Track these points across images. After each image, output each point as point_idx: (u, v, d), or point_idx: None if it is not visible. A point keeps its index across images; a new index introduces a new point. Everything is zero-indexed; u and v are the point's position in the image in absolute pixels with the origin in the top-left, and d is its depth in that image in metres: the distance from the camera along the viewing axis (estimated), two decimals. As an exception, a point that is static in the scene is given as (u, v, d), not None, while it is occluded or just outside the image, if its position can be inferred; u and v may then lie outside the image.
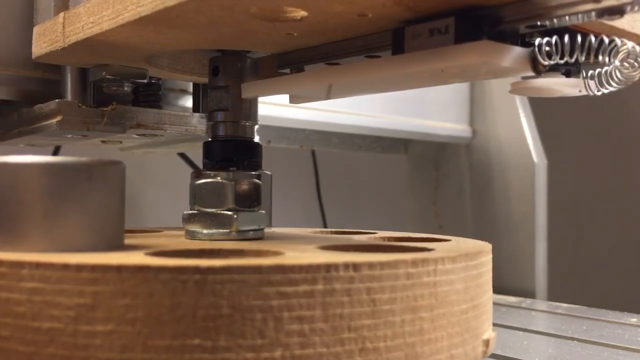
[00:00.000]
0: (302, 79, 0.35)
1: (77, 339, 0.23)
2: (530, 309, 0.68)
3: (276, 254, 0.28)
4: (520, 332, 0.54)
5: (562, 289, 0.83)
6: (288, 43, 0.36)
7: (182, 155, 0.82)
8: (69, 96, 0.43)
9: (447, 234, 0.47)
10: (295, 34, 0.34)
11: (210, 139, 0.45)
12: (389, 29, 0.32)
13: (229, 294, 0.23)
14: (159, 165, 0.88)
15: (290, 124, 0.73)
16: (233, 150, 0.42)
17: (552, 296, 0.79)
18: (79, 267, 0.23)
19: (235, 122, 0.41)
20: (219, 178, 0.40)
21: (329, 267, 0.24)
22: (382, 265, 0.25)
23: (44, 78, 0.45)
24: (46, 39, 0.38)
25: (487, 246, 0.33)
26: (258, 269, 0.23)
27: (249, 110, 0.42)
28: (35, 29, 0.40)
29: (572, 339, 0.52)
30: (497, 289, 0.79)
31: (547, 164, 0.81)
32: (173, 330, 0.23)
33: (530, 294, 0.79)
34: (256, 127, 0.43)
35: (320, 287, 0.24)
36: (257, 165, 0.42)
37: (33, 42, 0.40)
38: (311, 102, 0.40)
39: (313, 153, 0.98)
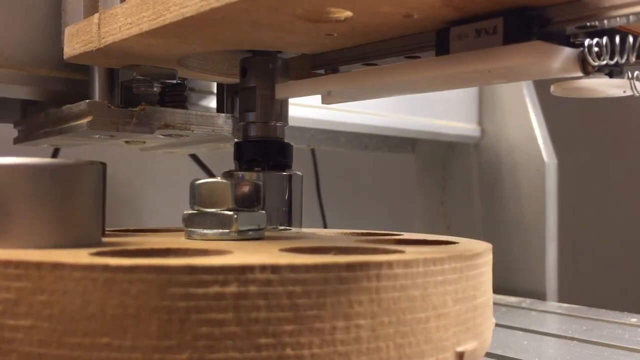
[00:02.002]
0: (341, 80, 0.35)
1: (4, 332, 0.23)
2: (530, 309, 0.68)
3: (220, 253, 0.27)
4: (520, 332, 0.54)
5: (573, 290, 0.83)
6: (326, 44, 0.36)
7: (193, 157, 0.82)
8: (96, 96, 0.43)
9: (455, 234, 0.47)
10: (335, 35, 0.34)
11: (238, 140, 0.45)
12: (431, 29, 0.32)
13: (136, 293, 0.23)
14: (159, 165, 0.87)
15: (297, 123, 0.72)
16: (261, 150, 0.42)
17: (563, 297, 0.79)
18: (6, 264, 0.24)
19: (265, 122, 0.42)
20: (252, 175, 0.40)
21: (243, 269, 0.23)
22: (308, 268, 0.24)
23: (70, 78, 0.45)
24: (79, 40, 0.38)
25: (476, 250, 0.30)
26: (165, 269, 0.23)
27: (280, 110, 0.42)
28: (67, 30, 0.39)
29: (572, 339, 0.52)
30: (506, 290, 0.80)
31: (558, 163, 0.81)
32: (84, 328, 0.23)
33: (540, 294, 0.79)
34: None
35: (232, 289, 0.23)
36: (285, 166, 0.42)
37: (65, 42, 0.40)
38: (344, 102, 0.40)
39: (313, 152, 0.98)
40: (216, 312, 0.23)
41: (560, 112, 0.95)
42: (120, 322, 0.23)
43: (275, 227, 0.42)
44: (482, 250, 0.31)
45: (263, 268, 0.23)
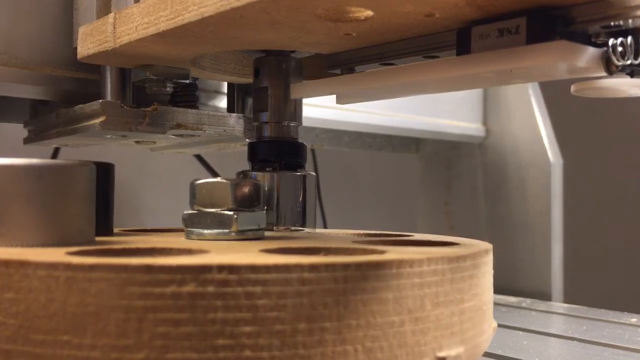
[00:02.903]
0: (358, 80, 0.35)
1: None
2: (530, 309, 0.68)
3: (201, 252, 0.28)
4: (520, 332, 0.54)
5: (578, 290, 0.83)
6: (343, 44, 0.36)
7: (198, 157, 0.81)
8: (108, 96, 0.43)
9: (459, 234, 0.47)
10: (354, 35, 0.33)
11: (250, 140, 0.45)
12: (452, 29, 0.32)
13: (96, 292, 0.23)
14: (159, 165, 0.87)
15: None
16: (274, 150, 0.42)
17: (569, 297, 0.79)
18: None
19: (279, 122, 0.42)
20: (266, 176, 0.40)
21: (201, 269, 0.23)
22: (268, 268, 0.23)
23: (81, 78, 0.45)
24: (94, 40, 0.38)
25: (461, 252, 0.29)
26: (124, 268, 0.23)
27: (294, 110, 0.42)
28: (81, 30, 0.39)
29: (572, 339, 0.52)
30: (511, 290, 0.80)
31: (563, 163, 0.81)
32: (47, 326, 0.23)
33: (546, 295, 0.79)
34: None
35: (189, 289, 0.23)
36: (297, 166, 0.42)
37: (79, 42, 0.39)
38: (359, 102, 0.40)
39: (313, 152, 0.97)
40: (173, 312, 0.22)
41: (566, 112, 0.95)
42: (81, 320, 0.23)
43: (287, 227, 0.42)
44: (467, 253, 0.29)
45: (221, 268, 0.23)
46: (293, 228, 0.42)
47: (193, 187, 0.35)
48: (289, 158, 0.41)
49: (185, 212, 0.35)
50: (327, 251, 0.31)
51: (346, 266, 0.24)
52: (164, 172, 0.88)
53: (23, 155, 0.30)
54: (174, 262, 0.23)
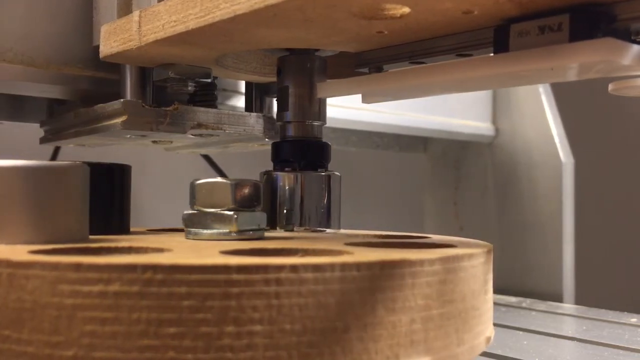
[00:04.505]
0: (389, 79, 0.35)
1: None
2: (530, 309, 0.68)
3: (160, 250, 0.28)
4: (521, 332, 0.54)
5: (591, 292, 0.83)
6: (374, 42, 0.35)
7: (206, 157, 0.81)
8: (128, 96, 0.42)
9: (469, 235, 0.47)
10: (386, 32, 0.33)
11: (269, 139, 0.45)
12: (488, 26, 0.31)
13: (32, 289, 0.23)
14: (159, 165, 0.87)
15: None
16: (298, 150, 0.41)
17: (580, 299, 0.79)
18: None
19: (303, 122, 0.41)
20: (289, 176, 0.40)
21: (126, 269, 0.23)
22: (192, 269, 0.23)
23: (99, 77, 0.45)
24: (117, 38, 0.37)
25: (427, 256, 0.27)
26: (55, 266, 0.23)
27: (318, 110, 0.41)
28: (104, 28, 0.39)
29: (572, 339, 0.52)
30: (522, 292, 0.80)
31: (575, 162, 0.81)
32: None
33: (557, 296, 0.78)
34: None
35: (115, 288, 0.23)
36: (321, 166, 0.41)
37: (101, 41, 0.39)
38: (385, 101, 0.39)
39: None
40: (100, 311, 0.23)
41: (577, 110, 0.95)
42: (19, 316, 0.23)
43: (308, 228, 0.41)
44: (435, 257, 0.27)
45: (145, 268, 0.23)
46: (313, 229, 0.41)
47: (193, 187, 0.35)
48: (313, 158, 0.41)
49: (185, 212, 0.35)
50: (305, 252, 0.30)
51: (279, 268, 0.23)
52: (165, 173, 0.87)
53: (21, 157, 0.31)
54: (102, 261, 0.23)
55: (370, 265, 0.25)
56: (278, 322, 0.23)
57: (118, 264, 0.23)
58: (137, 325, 0.22)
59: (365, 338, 0.25)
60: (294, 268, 0.23)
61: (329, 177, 0.41)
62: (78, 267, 0.23)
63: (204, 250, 0.28)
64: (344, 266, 0.24)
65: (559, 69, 0.28)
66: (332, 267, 0.24)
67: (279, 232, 0.41)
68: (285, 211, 0.41)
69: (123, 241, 0.32)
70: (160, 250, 0.29)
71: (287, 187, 0.41)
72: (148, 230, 0.43)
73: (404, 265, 0.26)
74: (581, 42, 0.27)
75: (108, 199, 0.39)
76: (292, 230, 0.41)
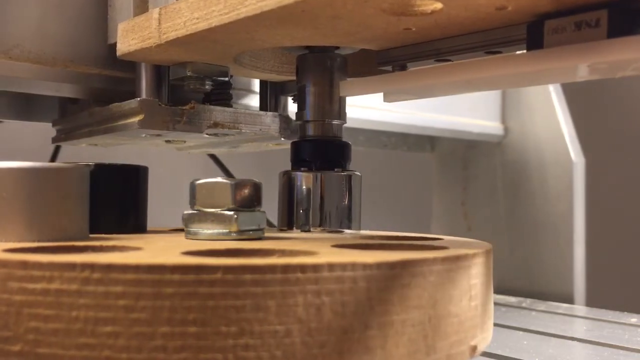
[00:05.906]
0: (416, 77, 0.34)
1: None
2: (530, 309, 0.68)
3: (136, 249, 0.28)
4: (521, 332, 0.54)
5: (602, 293, 0.82)
6: (399, 39, 0.34)
7: (212, 157, 0.80)
8: (144, 94, 0.41)
9: (477, 235, 0.46)
10: (414, 29, 0.32)
11: (286, 139, 0.44)
12: (521, 23, 0.30)
13: None
14: (159, 165, 0.86)
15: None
16: (317, 150, 0.41)
17: (591, 300, 0.78)
18: None
19: (322, 121, 0.40)
20: (309, 175, 0.39)
21: (66, 267, 0.23)
22: (125, 268, 0.23)
23: (113, 76, 0.44)
24: (136, 36, 0.37)
25: (387, 258, 0.26)
26: (5, 264, 0.24)
27: (338, 109, 0.40)
28: (121, 26, 0.38)
29: (572, 339, 0.52)
30: (531, 293, 0.79)
31: (585, 162, 0.80)
32: None
33: (568, 298, 0.78)
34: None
35: (55, 286, 0.23)
36: (341, 165, 0.41)
37: (118, 39, 0.38)
38: (407, 100, 0.39)
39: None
40: (43, 308, 0.23)
41: (588, 109, 0.94)
42: None
43: (324, 228, 0.41)
44: (397, 259, 0.26)
45: (84, 266, 0.23)
46: (330, 229, 0.41)
47: (193, 187, 0.35)
48: (333, 157, 0.40)
49: (185, 212, 0.35)
50: (282, 254, 0.29)
51: (214, 269, 0.23)
52: (163, 172, 0.87)
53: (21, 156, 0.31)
54: (45, 259, 0.24)
55: (316, 268, 0.24)
56: (212, 323, 0.23)
57: (59, 262, 0.23)
58: (75, 323, 0.23)
59: (310, 343, 0.24)
60: (228, 269, 0.23)
61: (349, 177, 0.40)
62: (24, 264, 0.24)
63: (170, 251, 0.28)
64: (289, 268, 0.24)
65: (598, 65, 0.28)
66: (273, 269, 0.24)
67: (292, 233, 0.40)
68: (301, 211, 0.41)
69: (119, 240, 0.32)
70: (138, 249, 0.29)
71: (307, 187, 0.40)
72: (170, 230, 0.42)
73: (359, 268, 0.25)
74: (621, 38, 0.26)
75: (123, 200, 0.39)
76: (308, 231, 0.40)
